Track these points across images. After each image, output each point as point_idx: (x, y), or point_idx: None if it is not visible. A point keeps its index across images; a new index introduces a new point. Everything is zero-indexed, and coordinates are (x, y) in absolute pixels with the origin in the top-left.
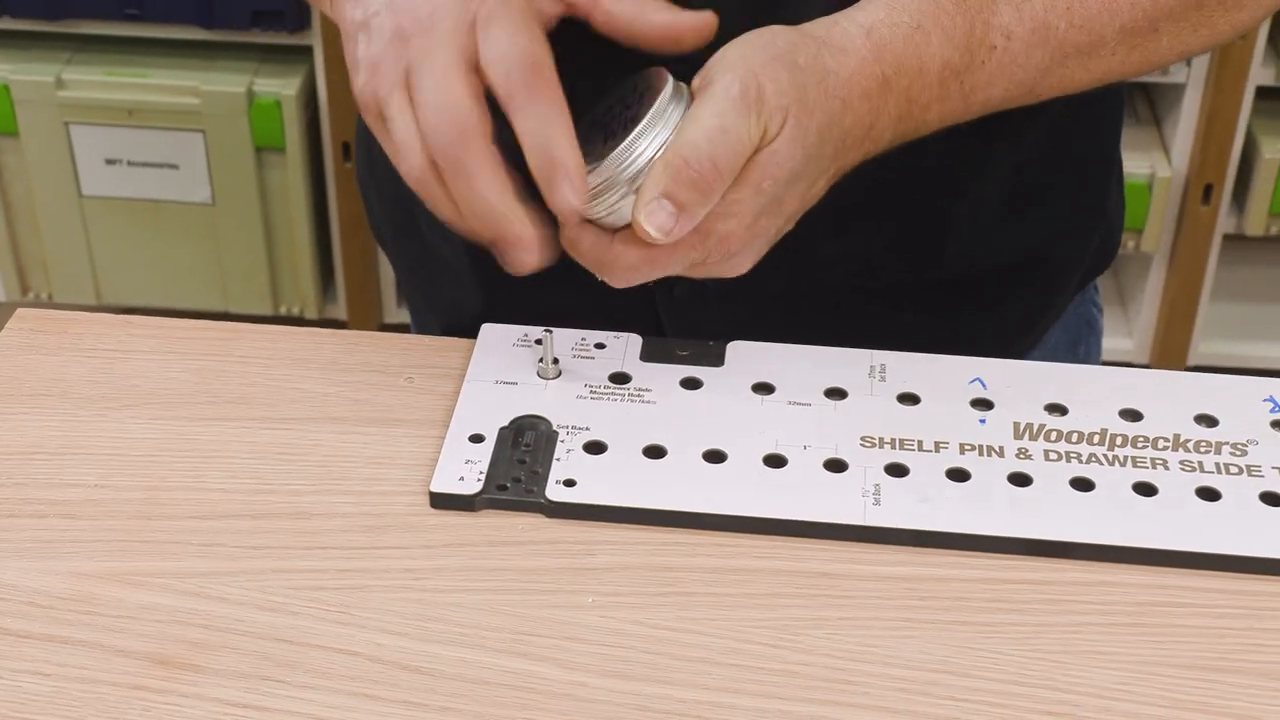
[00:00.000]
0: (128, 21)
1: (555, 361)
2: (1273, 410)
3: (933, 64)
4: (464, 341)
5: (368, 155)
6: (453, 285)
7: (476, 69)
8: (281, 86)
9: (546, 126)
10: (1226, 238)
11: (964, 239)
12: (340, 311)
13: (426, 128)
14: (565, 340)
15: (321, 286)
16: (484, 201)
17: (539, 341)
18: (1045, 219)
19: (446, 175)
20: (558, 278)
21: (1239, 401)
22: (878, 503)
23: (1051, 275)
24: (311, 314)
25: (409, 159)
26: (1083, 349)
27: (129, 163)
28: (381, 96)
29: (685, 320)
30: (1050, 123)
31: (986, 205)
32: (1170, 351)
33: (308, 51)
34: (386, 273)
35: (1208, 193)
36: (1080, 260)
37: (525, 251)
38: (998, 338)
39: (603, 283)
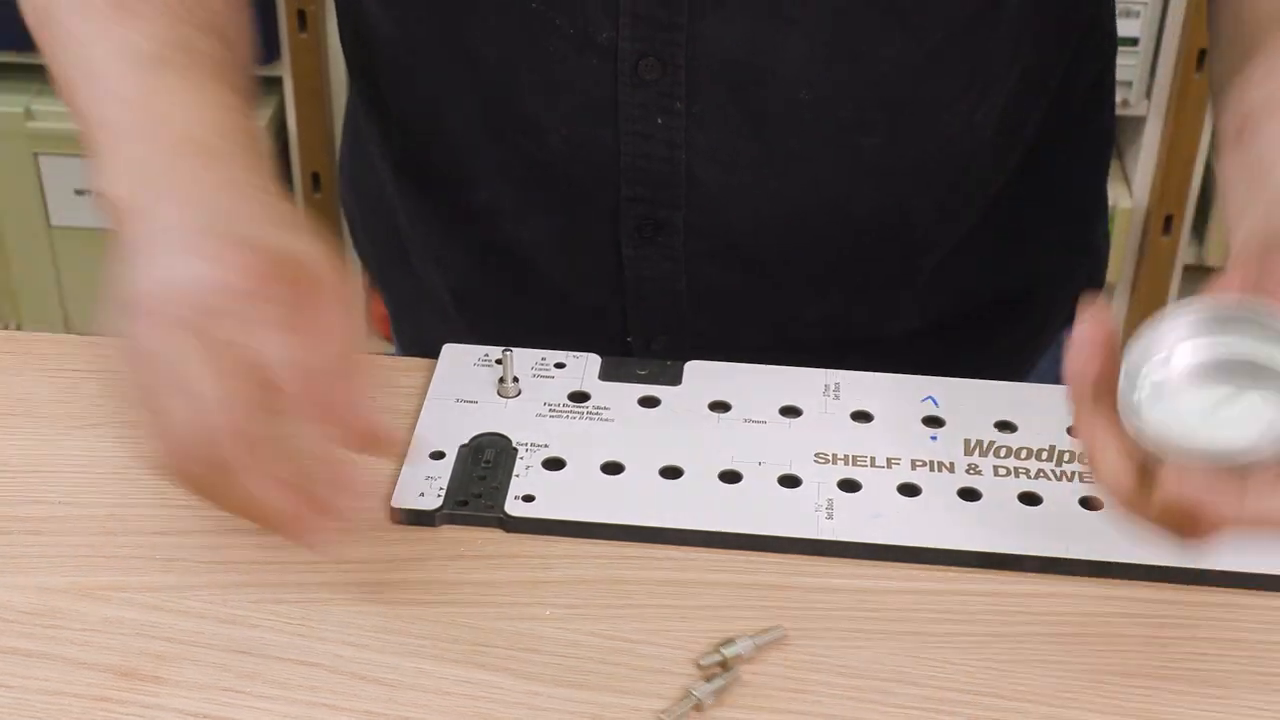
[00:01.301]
0: None
1: (515, 380)
2: None
3: None
4: (425, 361)
5: (354, 189)
6: (440, 318)
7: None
8: None
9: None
10: (1187, 268)
11: (942, 285)
12: None
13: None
14: (525, 360)
15: None
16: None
17: (499, 361)
18: (1031, 254)
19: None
20: (542, 319)
21: None
22: (830, 517)
23: (1041, 308)
24: None
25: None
26: None
27: None
28: None
29: None
30: (1029, 160)
31: (964, 251)
32: None
33: (277, 83)
34: (357, 301)
35: (1168, 223)
36: (1069, 292)
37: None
38: (991, 370)
39: (578, 329)
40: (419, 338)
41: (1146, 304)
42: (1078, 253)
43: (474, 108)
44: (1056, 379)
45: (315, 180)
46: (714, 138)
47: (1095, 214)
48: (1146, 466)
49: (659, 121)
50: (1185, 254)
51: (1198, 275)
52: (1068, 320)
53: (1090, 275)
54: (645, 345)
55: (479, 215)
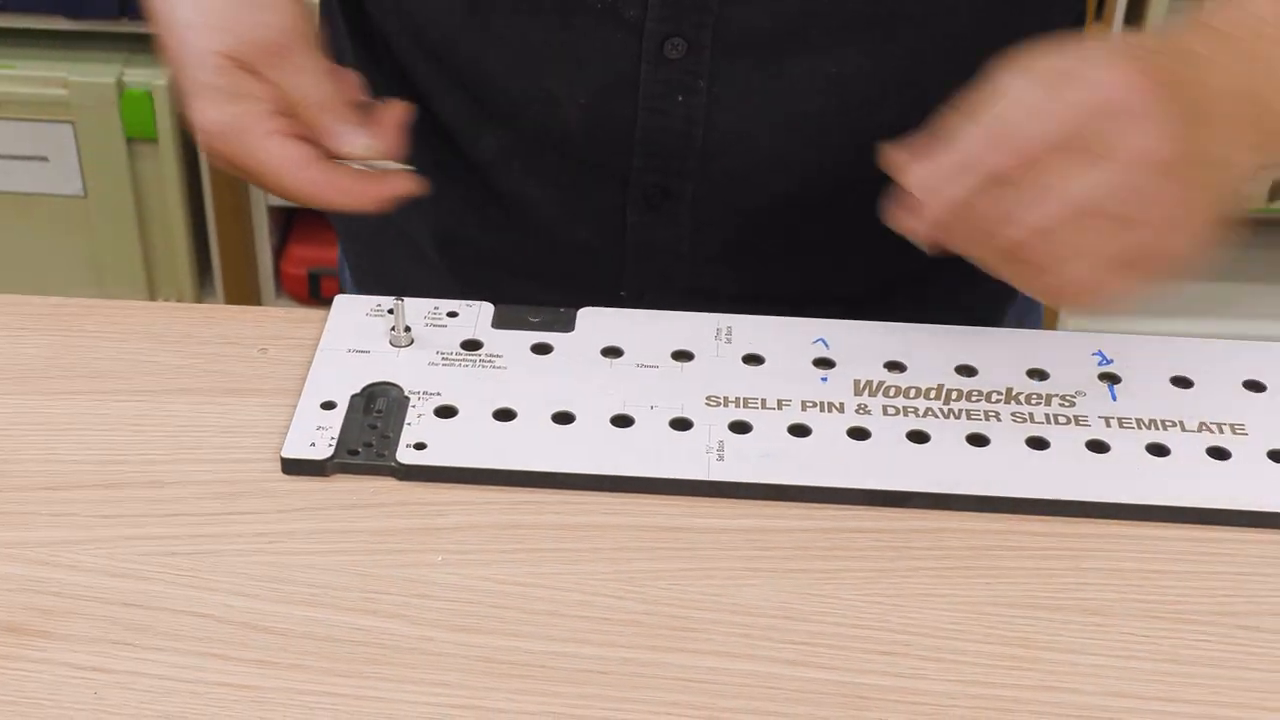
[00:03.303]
0: None
1: (407, 330)
2: (1100, 364)
3: None
4: (317, 312)
5: None
6: (414, 261)
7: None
8: (152, 76)
9: None
10: None
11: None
12: (218, 302)
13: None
14: (418, 309)
15: (198, 277)
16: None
17: (391, 311)
18: None
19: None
20: (534, 267)
21: (1069, 355)
22: (721, 459)
23: None
24: None
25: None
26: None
27: None
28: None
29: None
30: None
31: None
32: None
33: None
34: (265, 261)
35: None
36: None
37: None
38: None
39: (570, 279)
40: (383, 279)
41: None
42: None
43: (491, 75)
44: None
45: None
46: (733, 116)
47: None
48: None
49: (679, 99)
50: None
51: None
52: None
53: None
54: (638, 298)
55: (481, 169)
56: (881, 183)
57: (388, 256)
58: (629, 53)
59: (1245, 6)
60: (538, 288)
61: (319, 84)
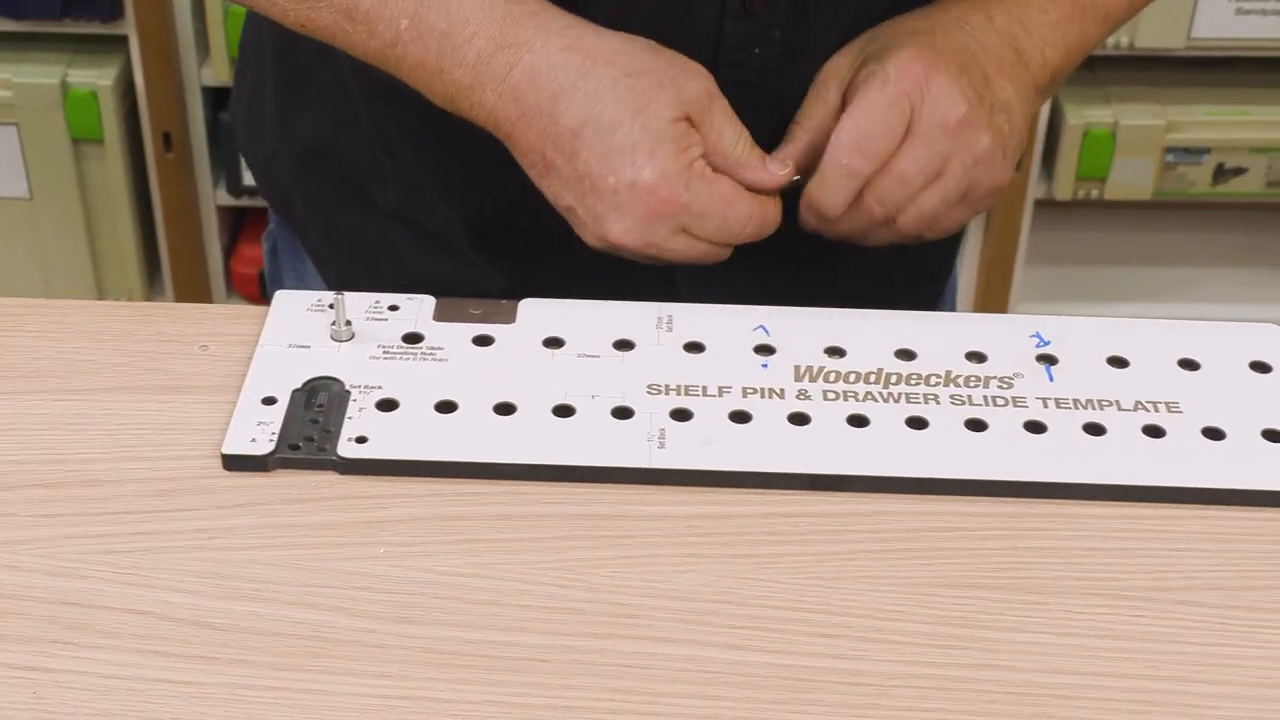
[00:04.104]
0: None
1: (348, 324)
2: (1038, 345)
3: None
4: (258, 309)
5: (285, 138)
6: (446, 255)
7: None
8: (97, 77)
9: None
10: (1038, 202)
11: None
12: (168, 302)
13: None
14: (359, 303)
15: (148, 278)
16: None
17: (332, 306)
18: None
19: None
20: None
21: (1007, 338)
22: (662, 446)
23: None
24: None
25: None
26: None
27: None
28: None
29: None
30: None
31: None
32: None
33: (122, 41)
34: (215, 261)
35: (1019, 160)
36: None
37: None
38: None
39: (614, 260)
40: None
41: (1000, 239)
42: None
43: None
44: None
45: (167, 139)
46: (801, 66)
47: None
48: None
49: (756, 51)
50: (1035, 189)
51: (1048, 209)
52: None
53: None
54: (692, 292)
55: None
56: None
57: (401, 256)
58: (714, 7)
59: None
60: (584, 281)
61: (739, 129)
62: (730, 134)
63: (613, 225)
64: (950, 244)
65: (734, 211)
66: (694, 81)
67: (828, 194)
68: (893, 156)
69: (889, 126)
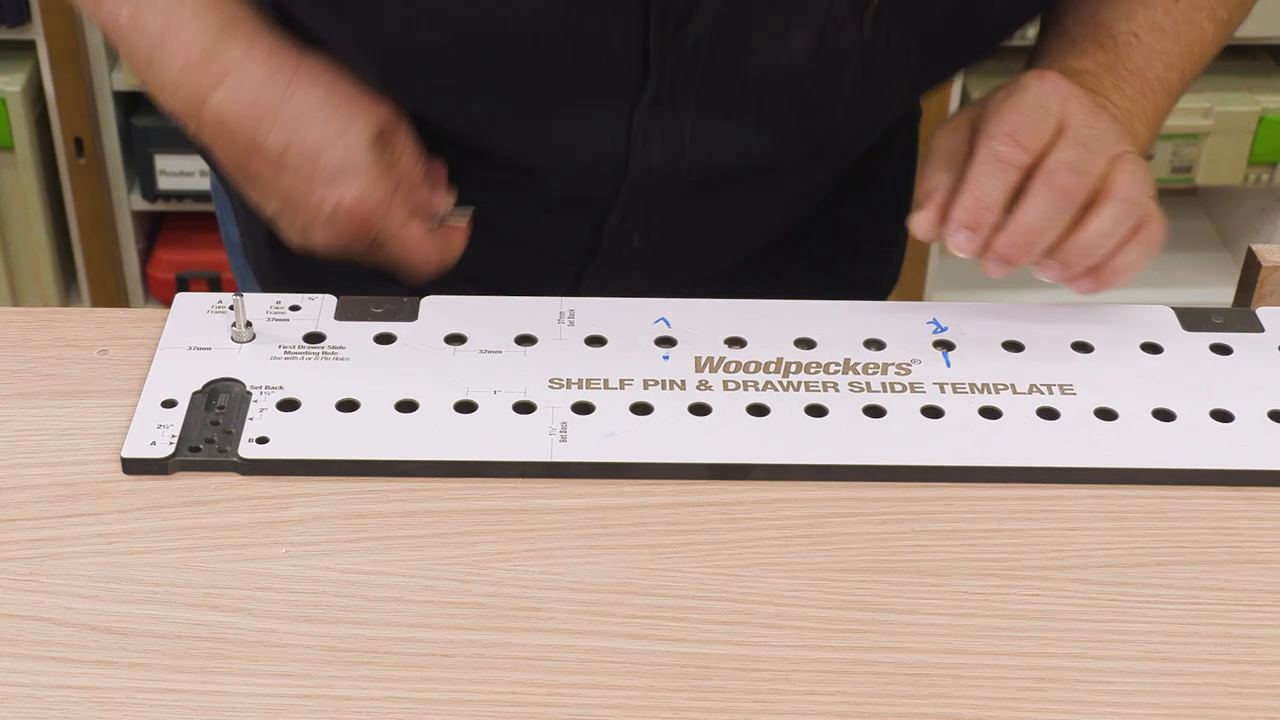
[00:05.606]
0: None
1: (248, 325)
2: (935, 331)
3: None
4: (158, 311)
5: None
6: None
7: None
8: (5, 83)
9: None
10: None
11: None
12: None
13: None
14: (259, 304)
15: (63, 286)
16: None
17: (232, 307)
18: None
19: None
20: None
21: (905, 325)
22: (564, 439)
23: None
24: None
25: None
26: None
27: None
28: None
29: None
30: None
31: None
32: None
33: (30, 46)
34: (131, 266)
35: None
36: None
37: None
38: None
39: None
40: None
41: None
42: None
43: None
44: None
45: (79, 145)
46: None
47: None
48: None
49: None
50: None
51: None
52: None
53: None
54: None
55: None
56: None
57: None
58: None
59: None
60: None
61: (416, 154)
62: (409, 158)
63: (316, 237)
64: (891, 233)
65: (424, 255)
66: (384, 105)
67: (984, 187)
68: (1048, 149)
69: (1039, 121)
